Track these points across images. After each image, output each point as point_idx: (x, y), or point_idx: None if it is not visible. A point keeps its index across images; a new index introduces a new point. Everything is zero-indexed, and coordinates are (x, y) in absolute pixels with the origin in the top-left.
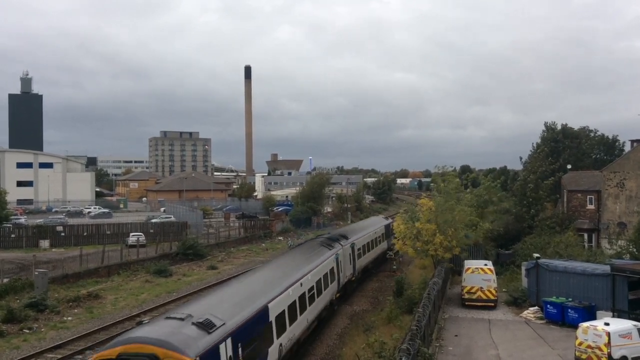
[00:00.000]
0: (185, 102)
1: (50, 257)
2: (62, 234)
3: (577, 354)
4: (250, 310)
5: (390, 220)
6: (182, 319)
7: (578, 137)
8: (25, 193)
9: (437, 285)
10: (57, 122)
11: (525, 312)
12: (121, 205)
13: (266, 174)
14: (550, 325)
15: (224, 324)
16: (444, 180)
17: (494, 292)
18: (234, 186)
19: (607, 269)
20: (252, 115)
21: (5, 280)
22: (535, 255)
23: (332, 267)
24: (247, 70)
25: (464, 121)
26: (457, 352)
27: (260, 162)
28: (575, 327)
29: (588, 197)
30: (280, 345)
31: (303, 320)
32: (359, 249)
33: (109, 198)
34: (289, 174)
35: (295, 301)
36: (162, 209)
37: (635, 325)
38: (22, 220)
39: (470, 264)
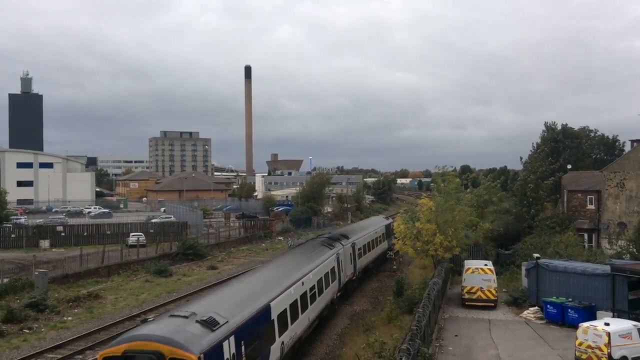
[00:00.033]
0: (185, 102)
1: (51, 257)
2: (62, 234)
3: (577, 354)
4: (252, 309)
5: (390, 220)
6: (186, 317)
7: (578, 137)
8: (26, 193)
9: (437, 285)
10: (57, 122)
11: (525, 312)
12: (121, 205)
13: (266, 174)
14: (550, 325)
15: (227, 322)
16: (444, 181)
17: (494, 292)
18: (234, 186)
19: (607, 269)
20: (252, 115)
21: (6, 280)
22: (535, 255)
23: (333, 267)
24: (247, 70)
25: (464, 121)
26: (457, 352)
27: (260, 162)
28: (575, 327)
29: (588, 197)
30: (282, 343)
31: (304, 319)
32: (359, 249)
33: (109, 198)
34: (289, 174)
35: (296, 300)
36: (162, 209)
37: (635, 326)
38: (22, 220)
39: (470, 264)
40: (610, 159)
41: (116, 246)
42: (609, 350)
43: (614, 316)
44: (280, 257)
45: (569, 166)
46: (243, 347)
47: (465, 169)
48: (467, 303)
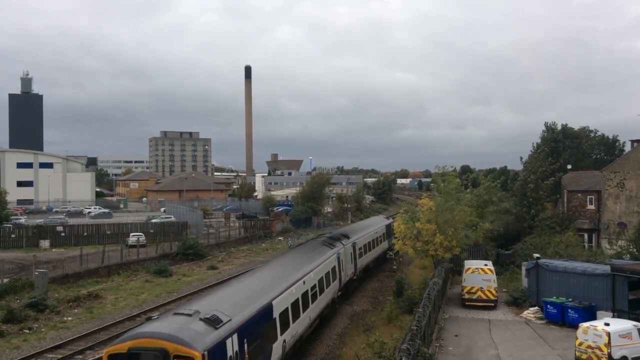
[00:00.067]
0: (185, 102)
1: (51, 257)
2: (62, 234)
3: (577, 354)
4: (255, 307)
5: (391, 220)
6: (190, 315)
7: (578, 137)
8: (26, 193)
9: (437, 285)
10: (57, 122)
11: (526, 312)
12: (121, 206)
13: (266, 174)
14: (550, 326)
15: (230, 319)
16: (444, 181)
17: (494, 292)
18: (234, 186)
19: (607, 269)
20: (252, 115)
21: (6, 280)
22: (536, 255)
23: (334, 266)
24: (247, 70)
25: (464, 121)
26: (457, 352)
27: (260, 162)
28: (576, 327)
29: (588, 197)
30: (284, 341)
31: (306, 318)
32: (360, 248)
33: (109, 198)
34: (289, 174)
35: (298, 299)
36: (162, 209)
37: (635, 326)
38: (22, 220)
39: (471, 264)
40: (610, 159)
41: (116, 246)
42: (609, 350)
43: (614, 316)
44: (282, 256)
45: (569, 166)
46: (246, 345)
47: (465, 169)
48: (467, 303)
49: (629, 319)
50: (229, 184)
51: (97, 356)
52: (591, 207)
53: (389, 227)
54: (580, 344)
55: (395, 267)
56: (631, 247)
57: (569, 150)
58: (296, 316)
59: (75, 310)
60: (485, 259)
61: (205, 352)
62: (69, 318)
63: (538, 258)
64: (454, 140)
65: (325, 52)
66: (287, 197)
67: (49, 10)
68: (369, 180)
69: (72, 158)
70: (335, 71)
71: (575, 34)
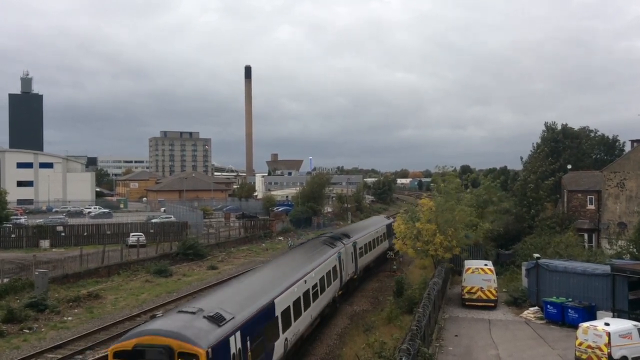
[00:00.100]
0: (185, 102)
1: (51, 257)
2: (62, 234)
3: (577, 354)
4: (257, 305)
5: (391, 220)
6: (193, 313)
7: (578, 137)
8: (26, 193)
9: (437, 285)
10: (57, 122)
11: (526, 312)
12: (121, 205)
13: (266, 174)
14: (550, 326)
15: (233, 317)
16: (444, 181)
17: (494, 292)
18: (234, 186)
19: (607, 269)
20: (252, 115)
21: (6, 280)
22: (536, 255)
23: (335, 265)
24: (247, 70)
25: (464, 121)
26: (457, 352)
27: (260, 162)
28: (576, 327)
29: (588, 197)
30: (286, 339)
31: (307, 316)
32: (360, 248)
33: (109, 198)
34: (289, 174)
35: (299, 298)
36: (162, 209)
37: (635, 326)
38: (22, 220)
39: (471, 264)
40: (611, 159)
41: (116, 246)
42: (609, 350)
43: (614, 316)
44: (283, 255)
45: (569, 166)
46: (248, 343)
47: (466, 169)
48: (467, 303)
49: (629, 319)
50: (229, 184)
51: (97, 356)
52: (591, 207)
53: (389, 227)
54: (580, 344)
55: (395, 267)
56: (631, 247)
57: (569, 150)
58: (298, 315)
59: (75, 310)
60: (485, 259)
61: (209, 349)
62: (69, 318)
63: (538, 258)
64: (454, 140)
65: (325, 52)
66: (287, 197)
67: (49, 10)
68: (369, 180)
69: (72, 158)
70: (335, 71)
71: (575, 34)
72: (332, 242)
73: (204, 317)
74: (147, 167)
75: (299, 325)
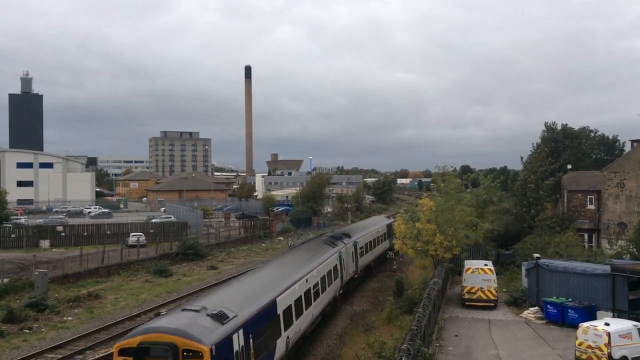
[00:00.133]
0: (185, 102)
1: (51, 257)
2: (62, 234)
3: (577, 354)
4: (260, 304)
5: (392, 219)
6: (197, 311)
7: (578, 137)
8: (26, 193)
9: (437, 285)
10: (57, 122)
11: (526, 312)
12: (121, 205)
13: (266, 174)
14: (550, 326)
15: (236, 315)
16: (444, 181)
17: (494, 292)
18: (234, 186)
19: (607, 269)
20: (252, 115)
21: (6, 280)
22: (536, 255)
23: (336, 265)
24: (247, 70)
25: (464, 121)
26: (457, 352)
27: (260, 162)
28: (576, 327)
29: (588, 197)
30: (288, 337)
31: (308, 315)
32: (361, 248)
33: (109, 198)
34: (289, 174)
35: (301, 296)
36: (162, 209)
37: (635, 326)
38: (22, 220)
39: (471, 264)
40: (611, 159)
41: (116, 246)
42: (609, 350)
43: (614, 316)
44: (285, 255)
45: (569, 166)
46: (251, 340)
47: (466, 169)
48: (467, 303)
49: (629, 319)
50: (229, 184)
51: (97, 356)
52: (591, 207)
53: (389, 227)
54: (580, 344)
55: (395, 267)
56: (631, 247)
57: (569, 150)
58: (299, 313)
59: (75, 310)
60: (485, 259)
61: (213, 347)
62: (69, 318)
63: (538, 258)
64: (454, 140)
65: (325, 52)
66: (287, 197)
67: (49, 10)
68: (369, 180)
69: (72, 158)
70: (335, 71)
71: (575, 34)
72: (333, 241)
73: (208, 315)
74: (147, 167)
75: (300, 324)
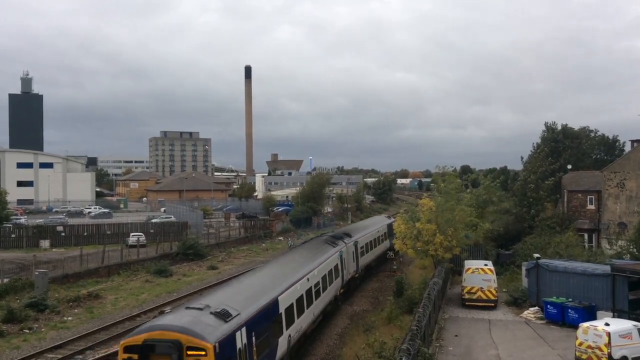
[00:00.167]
0: (185, 102)
1: (51, 257)
2: (63, 234)
3: (577, 354)
4: (262, 302)
5: (392, 219)
6: (201, 309)
7: (578, 137)
8: (26, 193)
9: (437, 285)
10: (57, 122)
11: (526, 312)
12: (121, 205)
13: (266, 174)
14: (551, 326)
15: (239, 314)
16: (444, 181)
17: (494, 292)
18: (234, 186)
19: (607, 269)
20: (252, 115)
21: (6, 280)
22: (536, 255)
23: (336, 264)
24: (247, 70)
25: (464, 121)
26: (457, 352)
27: (260, 162)
28: (576, 327)
29: (588, 197)
30: (289, 336)
31: (310, 314)
32: (361, 247)
33: (109, 198)
34: (289, 174)
35: (302, 295)
36: (162, 209)
37: (635, 326)
38: (23, 220)
39: (471, 264)
40: (611, 159)
41: (116, 246)
42: (609, 351)
43: (614, 316)
44: (286, 254)
45: (569, 166)
46: (254, 338)
47: (466, 169)
48: (467, 303)
49: (629, 319)
50: (229, 184)
51: (97, 356)
52: (591, 207)
53: (390, 227)
54: (580, 344)
55: (395, 267)
56: (631, 247)
57: (569, 150)
58: (301, 312)
59: (75, 310)
60: (485, 259)
61: (216, 344)
62: (69, 318)
63: (538, 258)
64: (454, 140)
65: (325, 52)
66: (287, 197)
67: (49, 10)
68: (369, 180)
69: (72, 158)
70: (335, 71)
71: (575, 34)
72: (333, 241)
73: (211, 313)
74: (147, 167)
75: (301, 322)
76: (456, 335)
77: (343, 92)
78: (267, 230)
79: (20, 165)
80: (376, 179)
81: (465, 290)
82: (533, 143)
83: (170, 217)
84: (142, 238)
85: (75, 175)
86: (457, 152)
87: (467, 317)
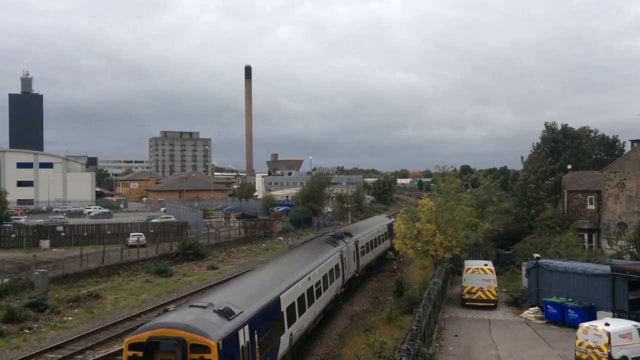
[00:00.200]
0: (185, 102)
1: (51, 257)
2: (63, 234)
3: (577, 354)
4: (264, 301)
5: (393, 219)
6: (204, 307)
7: (578, 137)
8: (26, 193)
9: (437, 285)
10: (57, 122)
11: (526, 312)
12: (121, 205)
13: (266, 174)
14: (551, 326)
15: (241, 312)
16: (444, 181)
17: (494, 292)
18: (234, 186)
19: (607, 269)
20: (252, 115)
21: (6, 280)
22: (536, 255)
23: (337, 264)
24: (247, 70)
25: (464, 121)
26: (457, 352)
27: (260, 162)
28: (576, 327)
29: (588, 197)
30: (291, 334)
31: (311, 313)
32: (362, 247)
33: (109, 198)
34: (289, 174)
35: (304, 294)
36: (162, 209)
37: (635, 326)
38: (23, 220)
39: (471, 264)
40: (611, 159)
41: (116, 246)
42: (609, 351)
43: (614, 316)
44: (287, 254)
45: (569, 166)
46: (256, 336)
47: (466, 169)
48: (467, 303)
49: (629, 319)
50: (229, 184)
51: (97, 356)
52: (591, 207)
53: (390, 227)
54: (580, 344)
55: (395, 267)
56: (631, 247)
57: (569, 150)
58: (302, 310)
59: (75, 310)
60: (485, 259)
61: (220, 342)
62: (69, 318)
63: (538, 258)
64: (454, 140)
65: (325, 52)
66: (287, 197)
67: (49, 10)
68: (369, 180)
69: (72, 158)
70: (335, 71)
71: (575, 34)
72: (334, 240)
73: (214, 311)
74: (147, 167)
75: (303, 321)
76: (456, 335)
77: (343, 92)
78: (267, 230)
79: (20, 165)
80: (376, 179)
81: (465, 290)
82: (533, 143)
83: (170, 217)
84: (142, 238)
85: (75, 175)
86: (457, 152)
87: (467, 317)
